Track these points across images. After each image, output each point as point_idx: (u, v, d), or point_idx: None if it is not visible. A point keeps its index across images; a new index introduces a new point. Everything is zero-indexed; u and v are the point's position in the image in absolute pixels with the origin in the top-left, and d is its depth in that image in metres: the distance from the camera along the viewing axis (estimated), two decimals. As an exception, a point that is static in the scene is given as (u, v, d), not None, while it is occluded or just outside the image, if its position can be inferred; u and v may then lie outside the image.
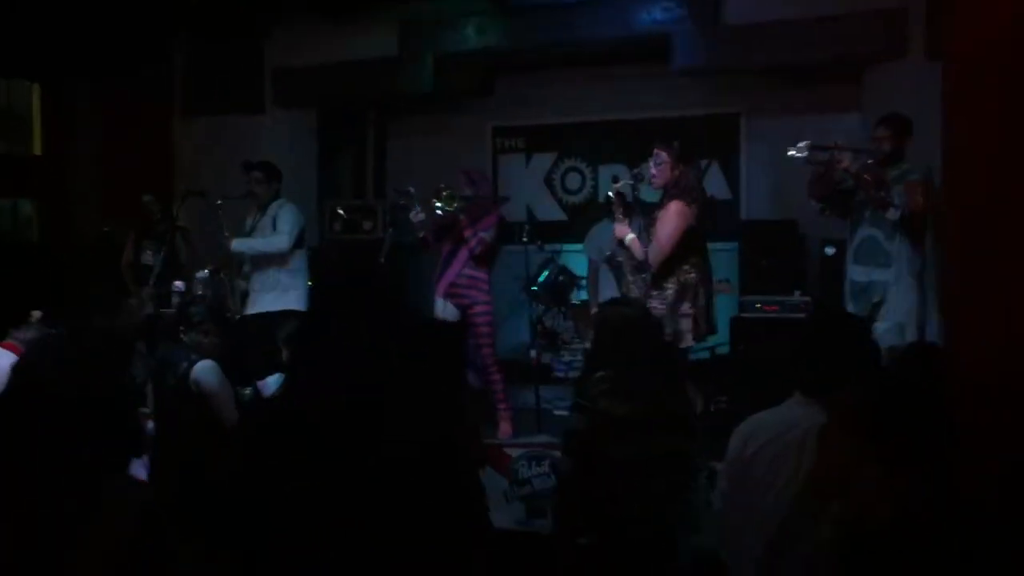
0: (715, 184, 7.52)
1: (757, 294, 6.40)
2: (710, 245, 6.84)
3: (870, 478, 1.92)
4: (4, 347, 4.44)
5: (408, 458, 1.87)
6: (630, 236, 4.98)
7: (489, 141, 8.27)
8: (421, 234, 5.87)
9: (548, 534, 3.59)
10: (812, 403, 2.60)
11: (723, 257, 7.03)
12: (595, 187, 7.97)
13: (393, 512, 1.83)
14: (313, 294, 2.07)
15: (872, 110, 6.28)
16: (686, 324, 4.93)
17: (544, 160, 8.18)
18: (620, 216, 5.08)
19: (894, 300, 4.72)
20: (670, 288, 4.91)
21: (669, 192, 4.92)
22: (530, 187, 8.15)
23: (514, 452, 4.82)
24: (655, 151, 4.98)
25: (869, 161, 4.65)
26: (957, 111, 3.30)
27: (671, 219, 4.82)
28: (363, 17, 7.42)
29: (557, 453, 3.39)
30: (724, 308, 6.70)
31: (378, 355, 1.95)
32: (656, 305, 4.88)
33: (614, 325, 3.32)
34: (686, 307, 4.92)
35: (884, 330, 4.63)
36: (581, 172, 8.08)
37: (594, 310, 6.11)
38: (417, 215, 5.78)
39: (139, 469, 3.72)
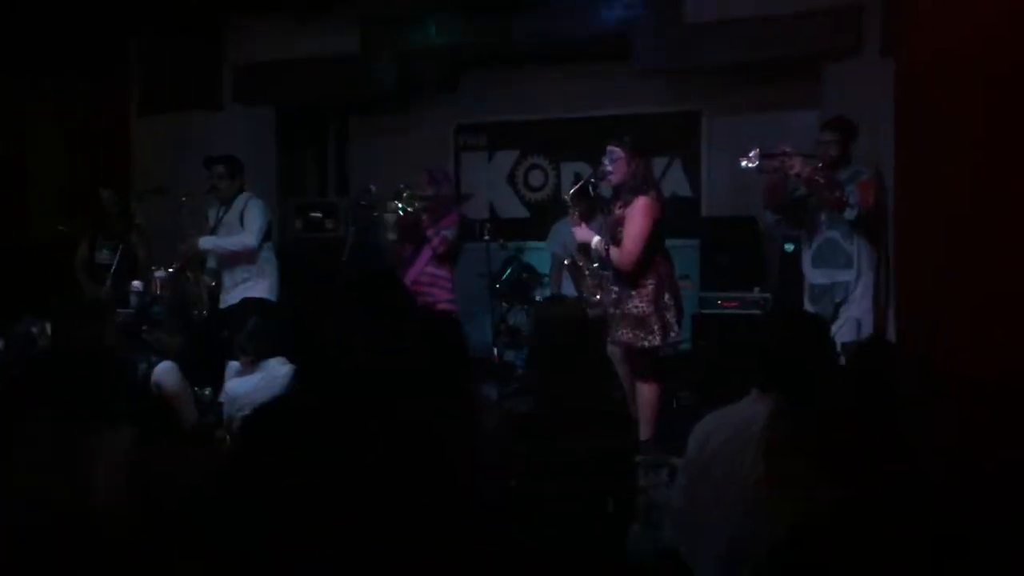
0: (676, 181, 7.56)
1: (717, 290, 6.45)
2: (672, 242, 6.92)
3: (813, 478, 1.95)
4: None
5: (414, 449, 1.89)
6: (596, 239, 4.94)
7: (451, 138, 8.26)
8: (394, 237, 5.79)
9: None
10: (770, 400, 2.63)
11: (684, 253, 7.06)
12: (557, 184, 7.98)
13: (395, 508, 1.84)
14: (315, 291, 2.16)
15: (831, 107, 6.35)
16: (672, 315, 4.92)
17: (507, 157, 8.18)
18: (576, 220, 5.08)
19: (855, 297, 4.79)
20: (651, 283, 4.86)
21: (628, 188, 4.88)
22: (493, 184, 8.15)
23: None
24: (608, 148, 4.95)
25: (819, 165, 4.70)
26: (907, 112, 3.36)
27: (640, 216, 4.78)
28: (324, 13, 7.36)
29: (676, 460, 3.28)
30: (685, 305, 6.76)
31: (386, 347, 2.00)
32: (638, 303, 4.86)
33: (543, 325, 3.32)
34: (667, 298, 4.91)
35: (840, 326, 4.71)
36: (544, 169, 8.09)
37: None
38: (388, 219, 5.72)
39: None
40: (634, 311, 4.86)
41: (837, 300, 4.83)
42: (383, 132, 8.33)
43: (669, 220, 5.07)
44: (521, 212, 8.12)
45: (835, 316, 4.79)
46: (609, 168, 4.91)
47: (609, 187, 5.15)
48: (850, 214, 4.67)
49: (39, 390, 2.60)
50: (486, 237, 6.51)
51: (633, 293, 4.85)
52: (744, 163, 4.71)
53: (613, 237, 4.90)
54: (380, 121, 8.34)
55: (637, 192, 4.84)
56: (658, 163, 7.64)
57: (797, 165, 4.69)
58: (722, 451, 2.56)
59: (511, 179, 8.18)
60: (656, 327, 4.85)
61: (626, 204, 4.86)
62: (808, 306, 4.95)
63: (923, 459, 2.22)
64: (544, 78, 7.74)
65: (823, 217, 4.85)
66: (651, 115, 7.57)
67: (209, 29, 7.70)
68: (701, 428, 2.75)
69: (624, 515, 3.15)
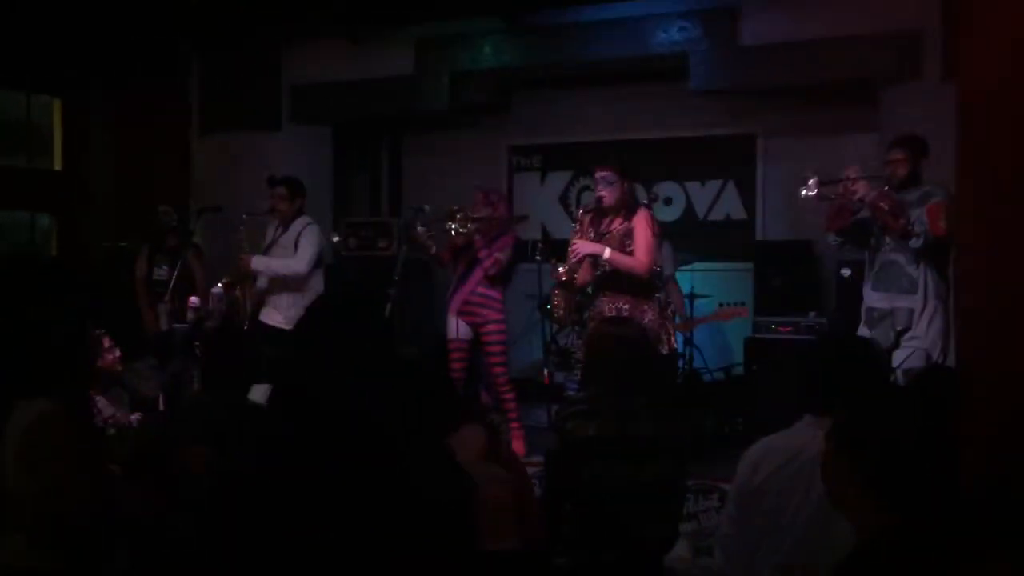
0: (730, 204, 7.51)
1: (772, 315, 6.37)
2: (726, 266, 6.85)
3: (867, 502, 1.90)
4: None
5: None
6: (608, 250, 4.94)
7: (505, 159, 8.29)
8: (433, 250, 5.87)
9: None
10: (822, 425, 2.58)
11: (738, 277, 7.04)
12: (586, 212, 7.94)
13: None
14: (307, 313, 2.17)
15: (888, 131, 6.26)
16: (670, 325, 5.16)
17: (560, 178, 8.19)
18: (579, 236, 5.13)
19: (920, 327, 4.56)
20: (656, 295, 5.07)
21: (624, 206, 4.99)
22: (545, 205, 8.16)
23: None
24: (600, 173, 5.03)
25: (885, 187, 4.50)
26: (970, 139, 3.29)
27: (646, 229, 4.91)
28: (380, 35, 7.46)
29: (726, 486, 3.24)
30: (738, 328, 6.70)
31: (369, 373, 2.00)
32: (650, 315, 4.94)
33: (601, 345, 3.28)
34: (669, 309, 5.21)
35: (906, 356, 4.52)
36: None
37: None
38: (422, 229, 5.77)
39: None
40: (650, 323, 4.94)
41: (899, 327, 4.63)
42: (436, 152, 8.40)
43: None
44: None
45: (896, 344, 4.61)
46: (603, 192, 5.02)
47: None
48: (916, 243, 4.46)
49: None
50: (537, 257, 6.50)
51: (645, 307, 4.94)
52: (803, 192, 4.59)
53: (621, 249, 4.97)
54: (433, 141, 8.41)
55: (633, 208, 5.01)
56: (712, 186, 7.63)
57: (861, 190, 4.55)
58: (774, 478, 2.52)
59: (563, 200, 8.19)
60: (664, 337, 5.06)
61: (625, 220, 4.98)
62: (864, 330, 4.77)
63: (984, 486, 2.16)
64: (598, 99, 7.75)
65: (887, 239, 4.65)
66: (706, 137, 7.54)
67: (268, 51, 7.84)
68: (752, 455, 2.71)
69: (669, 541, 3.11)
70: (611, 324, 3.62)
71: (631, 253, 4.91)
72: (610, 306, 5.01)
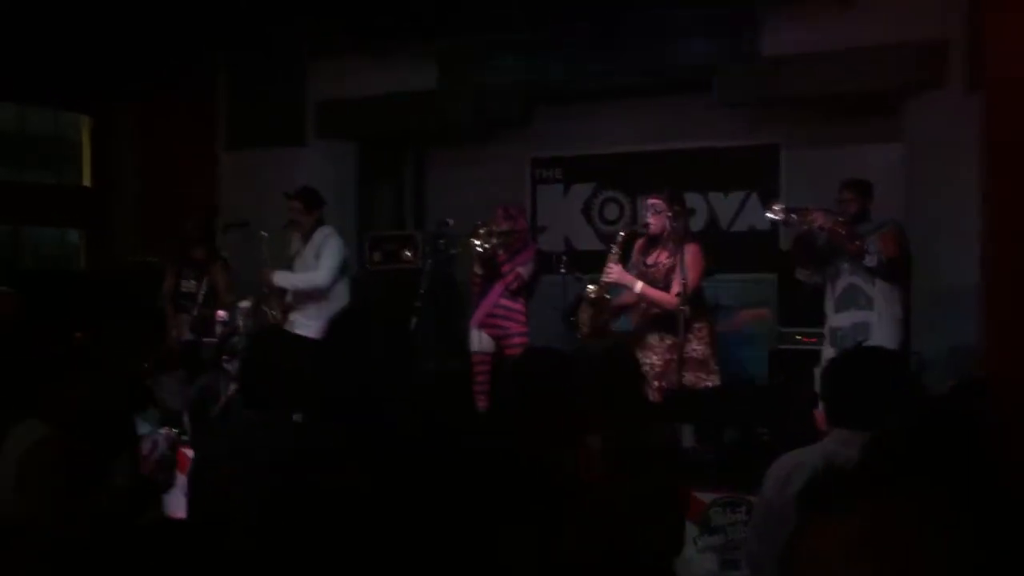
0: (754, 215, 7.49)
1: (796, 326, 6.35)
2: (751, 276, 6.85)
3: (909, 520, 1.89)
4: None
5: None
6: (640, 284, 5.09)
7: (527, 172, 8.32)
8: (478, 271, 5.89)
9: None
10: (851, 439, 2.57)
11: (762, 288, 7.01)
12: (633, 217, 7.96)
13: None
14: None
15: (912, 141, 6.26)
16: (717, 355, 5.20)
17: (582, 190, 8.20)
18: (616, 261, 5.15)
19: (877, 338, 4.90)
20: (704, 326, 5.13)
21: (672, 236, 5.09)
22: (568, 217, 8.18)
23: (706, 497, 4.43)
24: (649, 202, 5.20)
25: (840, 219, 4.99)
26: (997, 148, 3.29)
27: (697, 263, 5.07)
28: (403, 50, 7.52)
29: (753, 499, 3.28)
30: (762, 339, 6.68)
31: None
32: (696, 347, 5.05)
33: (583, 362, 3.30)
34: (715, 340, 5.24)
35: None
36: (619, 202, 8.09)
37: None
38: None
39: (178, 497, 3.76)
40: (695, 354, 5.05)
41: (859, 339, 4.98)
42: (460, 165, 8.44)
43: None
44: (596, 245, 8.10)
45: None
46: (651, 220, 5.14)
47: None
48: (870, 261, 4.94)
49: None
50: (562, 270, 6.52)
51: (690, 336, 5.01)
52: (770, 215, 5.18)
53: (667, 284, 5.05)
54: (457, 154, 8.45)
55: (683, 240, 5.07)
56: (736, 196, 7.61)
57: (820, 219, 4.97)
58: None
59: (586, 212, 8.20)
60: (715, 367, 5.12)
61: (672, 253, 5.06)
62: (828, 350, 5.14)
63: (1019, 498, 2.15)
64: (620, 111, 7.76)
65: (846, 265, 5.11)
66: (729, 148, 7.54)
67: (293, 67, 7.92)
68: (778, 470, 2.70)
69: (673, 550, 3.10)
70: (595, 338, 3.64)
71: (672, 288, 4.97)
72: (651, 335, 5.10)
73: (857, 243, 4.93)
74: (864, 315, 5.06)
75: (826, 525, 1.72)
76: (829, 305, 5.24)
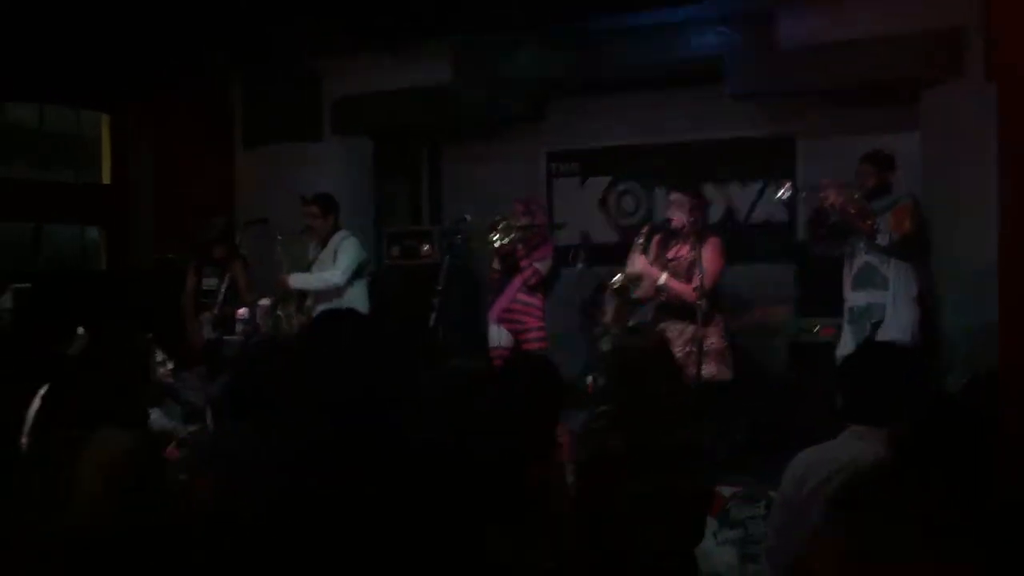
0: (771, 206, 7.47)
1: (814, 316, 6.34)
2: (768, 267, 6.85)
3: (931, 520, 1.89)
4: None
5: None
6: (665, 275, 5.21)
7: (543, 165, 8.33)
8: (496, 267, 5.91)
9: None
10: (868, 435, 2.59)
11: (780, 279, 6.99)
12: (650, 209, 7.97)
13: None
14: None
15: (929, 130, 6.23)
16: (731, 350, 5.32)
17: (599, 183, 8.21)
18: (641, 253, 5.29)
19: (890, 317, 5.03)
20: (720, 319, 5.25)
21: (694, 231, 5.21)
22: (585, 210, 8.18)
23: (725, 491, 4.51)
24: (674, 196, 5.33)
25: (855, 196, 4.99)
26: (1013, 138, 3.27)
27: (717, 256, 5.19)
28: (418, 46, 7.53)
29: (773, 493, 3.31)
30: (781, 331, 6.67)
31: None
32: (714, 340, 5.16)
33: (623, 357, 3.30)
34: (731, 334, 5.38)
35: None
36: (636, 195, 8.09)
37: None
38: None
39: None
40: (714, 346, 5.17)
41: (874, 320, 5.10)
42: (475, 160, 8.45)
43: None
44: (613, 237, 8.13)
45: (873, 336, 5.06)
46: (674, 216, 5.26)
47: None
48: (882, 240, 4.97)
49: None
50: (579, 264, 6.54)
51: (710, 330, 5.13)
52: (778, 195, 5.27)
53: (689, 278, 5.13)
54: (472, 149, 8.47)
55: (704, 234, 5.21)
56: (752, 188, 7.60)
57: (832, 196, 5.00)
58: (820, 491, 2.53)
59: (603, 205, 8.21)
60: (730, 360, 5.26)
61: (693, 246, 5.18)
62: (845, 328, 5.24)
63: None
64: (635, 104, 7.75)
65: (862, 244, 5.14)
66: (744, 140, 7.52)
67: (308, 63, 7.95)
68: (797, 465, 2.72)
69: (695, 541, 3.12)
70: (629, 336, 3.65)
71: (692, 282, 5.04)
72: (671, 327, 5.17)
73: (868, 222, 4.95)
74: (879, 295, 5.09)
75: (853, 526, 1.75)
76: (847, 283, 5.29)
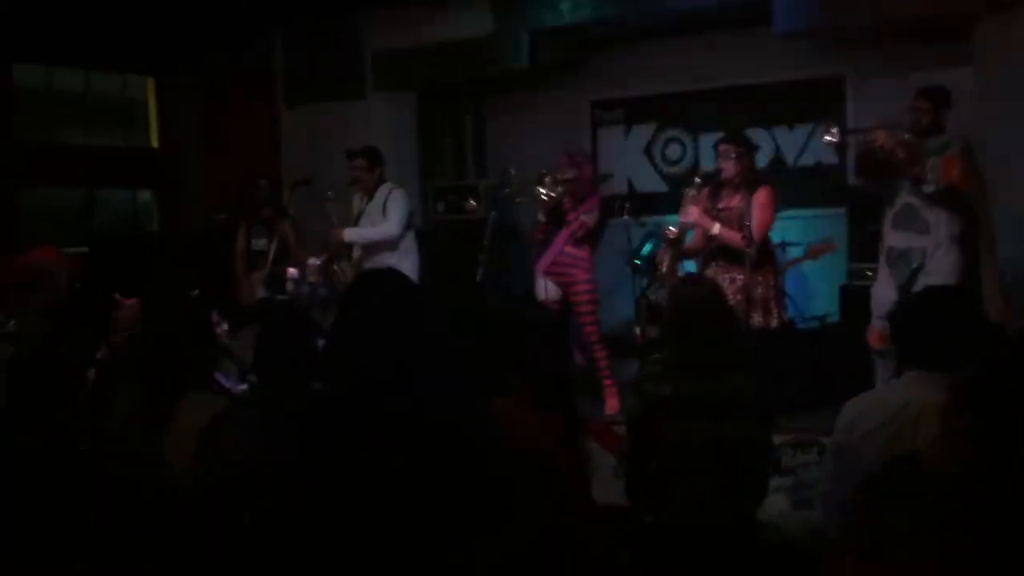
0: (820, 149, 7.33)
1: (866, 261, 6.24)
2: (819, 211, 6.76)
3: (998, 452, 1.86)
4: None
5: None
6: (717, 225, 5.19)
7: (587, 115, 8.26)
8: (542, 219, 5.89)
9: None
10: (926, 381, 2.55)
11: (831, 223, 6.91)
12: (696, 157, 7.87)
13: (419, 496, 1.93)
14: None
15: (982, 64, 6.06)
16: (782, 300, 5.37)
17: (644, 131, 8.12)
18: (692, 204, 5.25)
19: (932, 265, 4.88)
20: (769, 270, 5.26)
21: (742, 180, 5.21)
22: (630, 159, 8.11)
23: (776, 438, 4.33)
24: (721, 147, 5.28)
25: (906, 135, 4.80)
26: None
27: (767, 206, 5.17)
28: (457, -2, 7.48)
29: (825, 439, 3.30)
30: (832, 275, 6.61)
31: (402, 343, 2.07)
32: (761, 290, 5.17)
33: (680, 305, 3.28)
34: (781, 283, 5.39)
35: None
36: (682, 142, 8.00)
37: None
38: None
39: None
40: (759, 296, 5.18)
41: (914, 265, 4.96)
42: (519, 111, 8.40)
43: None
44: (660, 186, 8.05)
45: (911, 280, 4.93)
46: (723, 165, 5.24)
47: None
48: (928, 188, 4.80)
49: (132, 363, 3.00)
50: (625, 216, 6.50)
51: (759, 279, 5.15)
52: (826, 139, 5.01)
53: (740, 225, 5.10)
54: (516, 101, 8.41)
55: (755, 183, 5.21)
56: (801, 131, 7.47)
57: (881, 138, 4.84)
58: (873, 436, 2.51)
59: (648, 153, 8.13)
60: (775, 310, 5.26)
61: (744, 196, 5.19)
62: (883, 267, 5.12)
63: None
64: (679, 49, 7.63)
65: (906, 182, 4.96)
66: (792, 82, 7.39)
67: (348, 19, 7.93)
68: (850, 410, 2.70)
69: (757, 499, 3.11)
70: (685, 285, 3.63)
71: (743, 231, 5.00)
72: (722, 276, 5.17)
73: (917, 168, 4.81)
74: (921, 240, 4.94)
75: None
76: (887, 221, 5.17)
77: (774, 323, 5.25)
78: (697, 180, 5.39)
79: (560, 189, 5.63)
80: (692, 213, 5.23)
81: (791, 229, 6.72)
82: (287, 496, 2.04)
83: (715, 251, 5.30)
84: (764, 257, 5.21)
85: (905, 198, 5.02)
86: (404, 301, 2.17)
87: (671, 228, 5.35)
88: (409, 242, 6.27)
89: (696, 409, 2.99)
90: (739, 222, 5.12)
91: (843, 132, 4.97)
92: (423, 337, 2.12)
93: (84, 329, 4.13)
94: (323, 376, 2.34)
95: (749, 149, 5.29)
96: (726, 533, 2.95)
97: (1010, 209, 5.70)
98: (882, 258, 5.20)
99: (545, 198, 5.65)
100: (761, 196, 5.15)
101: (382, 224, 6.11)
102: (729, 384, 3.00)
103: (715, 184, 5.33)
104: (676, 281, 4.90)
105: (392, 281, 2.26)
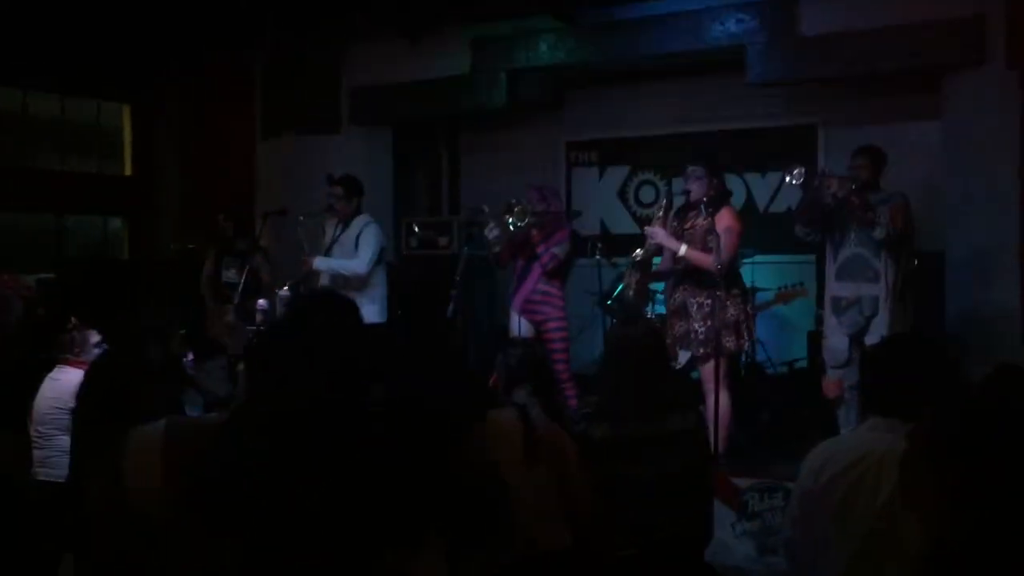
0: (793, 195, 7.42)
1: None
2: (790, 257, 6.82)
3: (956, 502, 1.88)
4: (70, 366, 4.62)
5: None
6: (684, 246, 5.18)
7: (562, 155, 8.32)
8: (496, 249, 5.94)
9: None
10: (890, 427, 2.57)
11: (802, 269, 6.97)
12: (670, 200, 7.91)
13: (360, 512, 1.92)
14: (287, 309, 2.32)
15: (951, 119, 6.19)
16: (752, 323, 5.34)
17: (618, 173, 8.19)
18: (661, 226, 5.30)
19: (884, 313, 5.04)
20: (738, 291, 5.24)
21: (711, 202, 5.20)
22: (604, 200, 8.17)
23: (743, 482, 4.53)
24: (689, 168, 5.31)
25: (853, 187, 4.99)
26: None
27: (732, 226, 5.18)
28: (436, 35, 7.54)
29: (790, 484, 3.31)
30: (802, 322, 6.66)
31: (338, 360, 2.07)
32: (732, 311, 5.14)
33: (612, 347, 3.29)
34: (750, 307, 5.37)
35: (873, 342, 4.86)
36: (655, 185, 8.07)
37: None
38: (492, 231, 5.86)
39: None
40: (731, 318, 5.15)
41: (867, 313, 5.09)
42: (494, 149, 8.45)
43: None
44: (632, 229, 8.10)
45: (866, 328, 5.08)
46: (692, 187, 5.25)
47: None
48: (879, 233, 4.95)
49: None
50: (597, 255, 6.53)
51: (728, 303, 5.12)
52: (788, 180, 5.13)
53: (703, 247, 5.12)
54: (491, 139, 8.47)
55: (719, 204, 5.21)
56: (773, 177, 7.56)
57: (835, 185, 5.01)
58: (837, 482, 2.51)
59: (622, 195, 8.19)
60: (746, 333, 5.24)
61: (708, 216, 5.16)
62: (830, 317, 5.23)
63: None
64: (655, 93, 7.73)
65: (852, 235, 5.13)
66: (766, 129, 7.49)
67: (327, 54, 7.97)
68: (815, 456, 2.69)
69: (702, 534, 3.11)
70: (622, 326, 3.65)
71: (711, 250, 5.00)
72: (690, 300, 5.20)
73: (869, 214, 4.96)
74: (872, 288, 5.07)
75: None
76: (830, 271, 5.30)
77: (745, 345, 5.30)
78: (663, 203, 5.50)
79: (528, 220, 5.66)
80: (657, 233, 5.24)
81: (761, 274, 6.78)
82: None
83: (682, 274, 5.29)
84: (733, 279, 5.22)
85: (853, 249, 5.14)
86: (341, 325, 2.19)
87: (638, 251, 5.39)
88: (378, 280, 6.23)
89: (629, 449, 2.99)
90: (703, 240, 5.13)
91: (804, 175, 5.07)
92: (356, 361, 2.13)
93: (38, 354, 4.10)
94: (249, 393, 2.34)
95: (716, 171, 5.33)
96: (685, 565, 2.95)
97: (969, 255, 5.83)
98: (827, 309, 5.30)
99: (512, 228, 5.67)
100: (725, 217, 5.16)
101: (353, 260, 6.09)
102: (663, 423, 3.02)
103: (683, 205, 5.38)
104: (618, 321, 4.95)
105: (333, 305, 2.26)
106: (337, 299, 2.30)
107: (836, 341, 5.17)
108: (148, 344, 3.40)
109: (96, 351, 4.68)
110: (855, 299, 5.11)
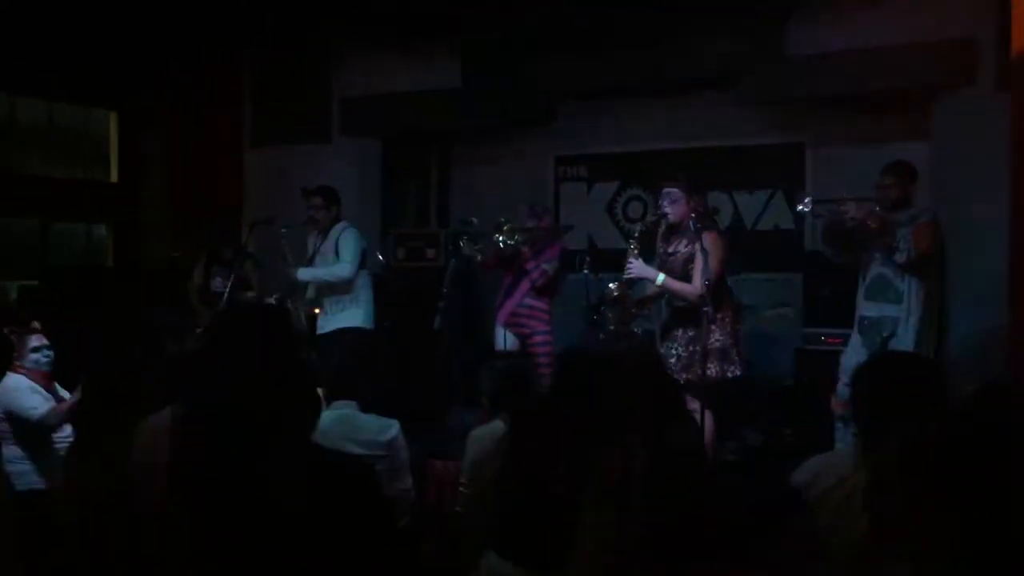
0: (779, 214, 7.46)
1: (822, 326, 6.31)
2: (775, 276, 6.80)
3: (938, 523, 1.86)
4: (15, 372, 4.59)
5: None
6: (662, 276, 5.03)
7: (551, 170, 8.32)
8: (479, 258, 5.93)
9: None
10: (878, 444, 2.55)
11: (786, 287, 7.00)
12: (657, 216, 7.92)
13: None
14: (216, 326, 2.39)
15: (940, 139, 6.22)
16: (740, 347, 5.15)
17: (606, 189, 8.19)
18: (636, 256, 5.07)
19: (903, 334, 4.94)
20: (727, 316, 5.06)
21: (692, 225, 4.98)
22: (592, 215, 8.16)
23: None
24: (665, 189, 5.11)
25: (876, 208, 4.87)
26: (1023, 137, 3.26)
27: (716, 250, 4.95)
28: (428, 48, 7.54)
29: None
30: (788, 339, 6.65)
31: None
32: (719, 337, 4.99)
33: (610, 363, 3.26)
34: (739, 330, 5.18)
35: None
36: (643, 201, 8.07)
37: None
38: (467, 246, 5.85)
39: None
40: (717, 344, 4.98)
41: (885, 334, 5.01)
42: (484, 163, 8.45)
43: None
44: (621, 244, 8.08)
45: (883, 348, 4.97)
46: (668, 209, 5.06)
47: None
48: (900, 258, 4.87)
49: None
50: (585, 270, 6.52)
51: (714, 327, 4.94)
52: (799, 208, 5.08)
53: (684, 274, 5.00)
54: (481, 152, 8.46)
55: (703, 228, 4.95)
56: (760, 196, 7.58)
57: (851, 210, 4.89)
58: (826, 498, 2.50)
59: (610, 210, 8.19)
60: (736, 358, 5.05)
61: (691, 241, 4.98)
62: (855, 337, 5.14)
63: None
64: (644, 109, 7.73)
65: (877, 254, 5.03)
66: (754, 147, 7.50)
67: (318, 64, 7.96)
68: (805, 471, 2.68)
69: None
70: (618, 339, 3.62)
71: (692, 278, 4.91)
72: (673, 331, 5.10)
73: (888, 239, 4.87)
74: (893, 309, 4.99)
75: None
76: (860, 292, 5.19)
77: (733, 372, 5.05)
78: (638, 231, 5.23)
79: (518, 237, 5.65)
80: (633, 267, 5.07)
81: (747, 291, 6.77)
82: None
83: (670, 297, 5.16)
84: (720, 303, 5.00)
85: (877, 269, 5.05)
86: (269, 336, 2.26)
87: (611, 285, 5.20)
88: (363, 282, 6.24)
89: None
90: (683, 268, 5.02)
91: (815, 202, 5.01)
92: (270, 373, 2.18)
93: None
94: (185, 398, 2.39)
95: (695, 190, 5.12)
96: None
97: (966, 279, 5.83)
98: (855, 327, 5.21)
99: (502, 245, 5.66)
100: (708, 242, 4.91)
101: (335, 265, 6.08)
102: (661, 438, 2.99)
103: (667, 228, 5.21)
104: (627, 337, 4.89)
105: (263, 316, 2.35)
106: (261, 314, 2.40)
107: (853, 357, 5.04)
108: (166, 341, 3.44)
109: (34, 356, 4.65)
110: (877, 319, 5.06)
